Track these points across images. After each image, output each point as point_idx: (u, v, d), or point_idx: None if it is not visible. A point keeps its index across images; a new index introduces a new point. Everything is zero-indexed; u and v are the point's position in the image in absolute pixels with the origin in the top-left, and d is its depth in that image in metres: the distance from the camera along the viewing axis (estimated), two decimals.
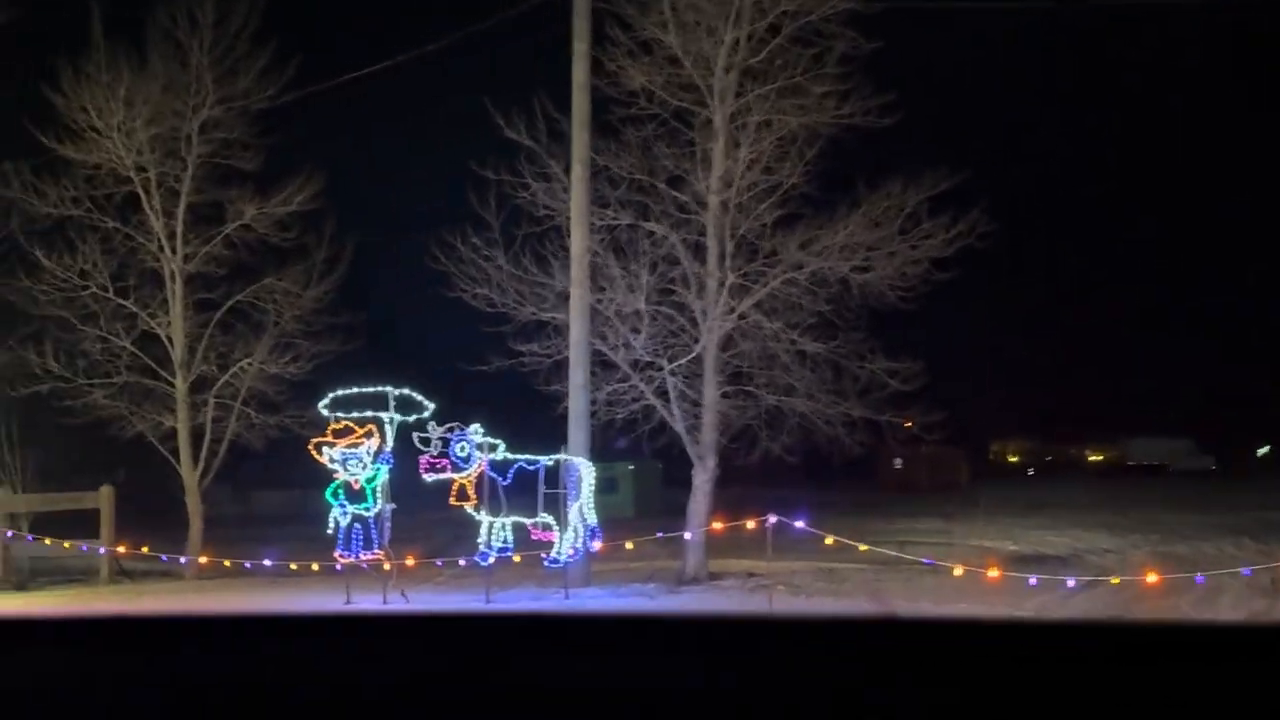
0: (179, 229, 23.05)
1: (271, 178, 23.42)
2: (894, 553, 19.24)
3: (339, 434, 17.13)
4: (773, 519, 17.14)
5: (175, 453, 23.38)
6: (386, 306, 25.99)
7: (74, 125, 22.16)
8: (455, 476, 17.14)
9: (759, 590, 17.53)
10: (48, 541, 20.92)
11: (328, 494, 17.15)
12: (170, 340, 23.10)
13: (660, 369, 19.80)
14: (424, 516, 21.57)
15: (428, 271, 20.89)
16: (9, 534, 20.65)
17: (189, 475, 23.29)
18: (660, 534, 19.67)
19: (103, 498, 22.14)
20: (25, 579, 21.02)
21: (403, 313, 29.28)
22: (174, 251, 22.99)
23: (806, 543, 19.12)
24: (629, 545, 19.02)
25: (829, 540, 17.61)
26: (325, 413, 17.25)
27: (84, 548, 21.14)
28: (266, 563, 19.65)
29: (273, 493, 40.80)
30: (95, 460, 24.58)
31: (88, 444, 24.28)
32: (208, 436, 23.47)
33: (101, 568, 21.60)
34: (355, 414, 16.93)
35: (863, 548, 18.21)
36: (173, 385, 23.15)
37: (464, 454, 17.24)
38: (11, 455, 23.20)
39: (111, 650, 1.77)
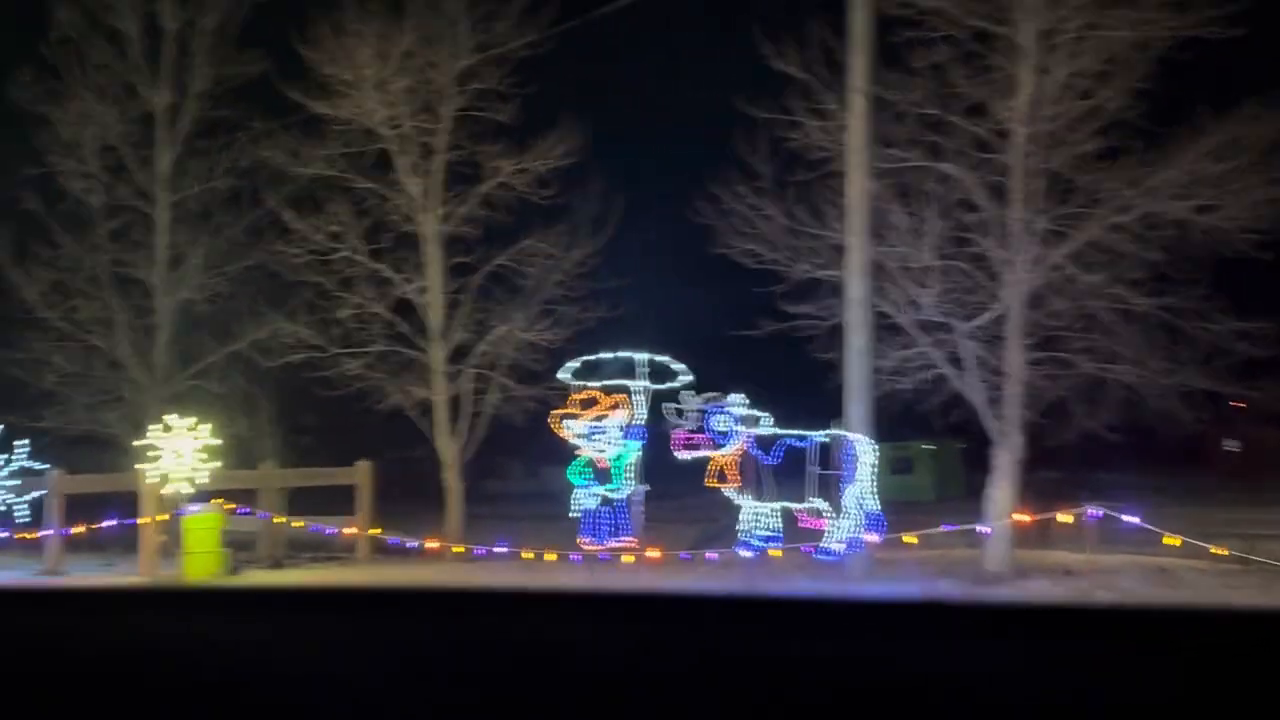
0: (434, 188, 21.79)
1: (529, 131, 21.90)
2: (1244, 554, 15.80)
3: (585, 404, 15.30)
4: (1095, 512, 14.13)
5: (432, 427, 22.21)
6: (644, 266, 23.92)
7: (327, 81, 21.18)
8: (713, 454, 15.03)
9: (1077, 593, 14.59)
10: (297, 523, 20.11)
11: (571, 472, 15.37)
12: (426, 307, 21.90)
13: (953, 331, 16.99)
14: (678, 501, 19.55)
15: (690, 227, 18.82)
16: (261, 514, 19.86)
17: (446, 450, 22.06)
18: (946, 526, 16.81)
19: (360, 474, 21.20)
20: (282, 556, 20.24)
21: (662, 272, 27.24)
22: (429, 212, 21.74)
23: (1133, 534, 15.96)
24: (911, 540, 16.23)
25: (1171, 540, 14.40)
26: (569, 381, 15.46)
27: (327, 529, 20.19)
28: (500, 549, 18.04)
29: (510, 468, 39.75)
30: (349, 436, 23.74)
31: (343, 418, 23.50)
32: (465, 409, 22.20)
33: (359, 546, 20.64)
34: (601, 383, 15.08)
35: (1217, 550, 14.87)
36: (427, 354, 21.93)
37: (724, 429, 15.08)
38: (270, 430, 22.68)
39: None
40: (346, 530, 18.49)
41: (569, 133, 21.74)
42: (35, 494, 20.32)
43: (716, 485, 15.30)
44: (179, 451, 18.23)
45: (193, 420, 18.29)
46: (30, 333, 23.78)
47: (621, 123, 30.76)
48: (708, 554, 16.86)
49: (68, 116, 23.91)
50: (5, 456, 20.48)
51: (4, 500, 20.49)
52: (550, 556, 16.93)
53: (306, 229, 21.38)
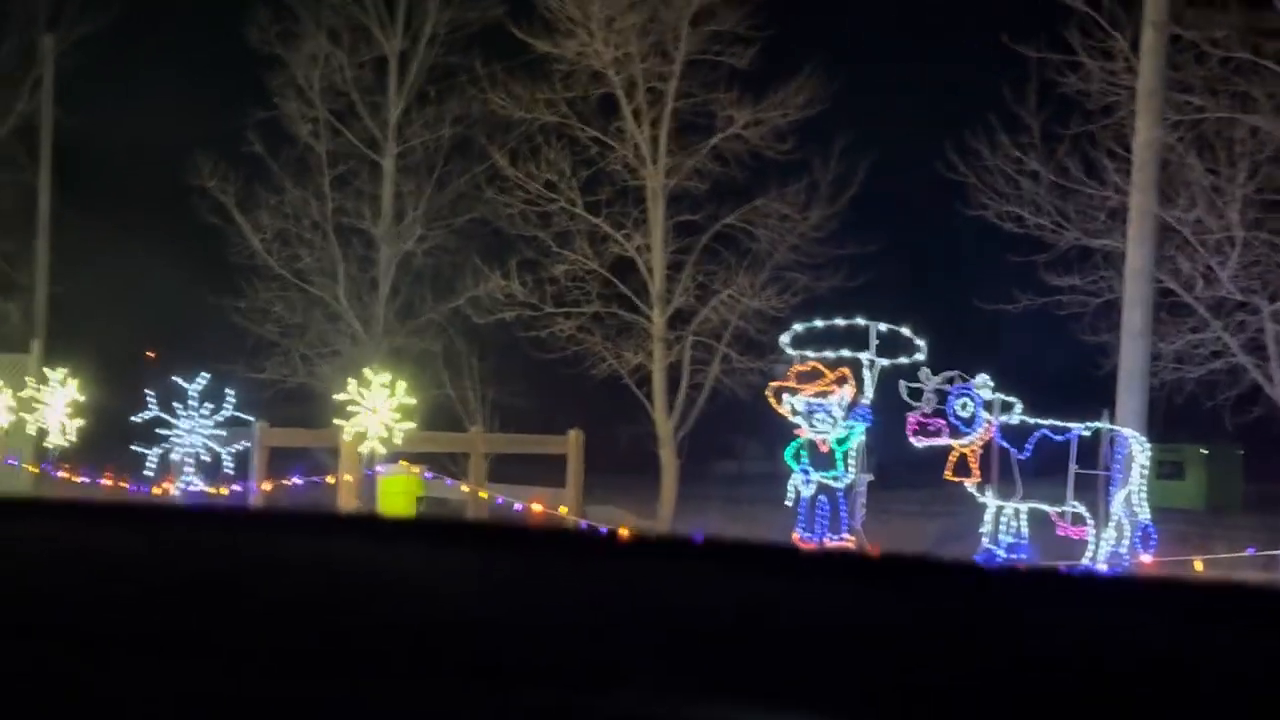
0: (661, 138, 20.07)
1: (767, 80, 19.95)
2: None
3: (804, 377, 13.31)
4: None
5: (649, 397, 20.59)
6: (888, 230, 21.58)
7: (554, 18, 19.72)
8: (953, 443, 12.83)
9: None
10: (482, 494, 18.81)
11: (787, 455, 13.42)
12: (648, 267, 20.23)
13: (1256, 313, 14.19)
14: (910, 494, 17.35)
15: (941, 186, 16.58)
16: (448, 480, 18.60)
17: (663, 424, 20.40)
18: (1252, 550, 13.97)
19: (571, 444, 19.80)
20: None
21: (907, 236, 24.79)
22: (655, 164, 20.03)
23: None
24: (1197, 565, 13.46)
25: None
26: (788, 349, 13.50)
27: (516, 505, 18.83)
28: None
29: (744, 448, 37.16)
30: (560, 403, 22.30)
31: (553, 384, 22.15)
32: (684, 380, 20.48)
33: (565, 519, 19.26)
34: (826, 353, 13.10)
35: None
36: (649, 319, 20.27)
37: (966, 413, 12.81)
38: (477, 392, 21.57)
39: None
40: (534, 504, 17.12)
41: (810, 81, 19.70)
42: (241, 445, 19.74)
43: (956, 479, 13.13)
44: (375, 408, 17.18)
45: (388, 376, 17.22)
46: (255, 280, 23.44)
47: (868, 70, 28.16)
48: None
49: (299, 59, 23.37)
50: (213, 406, 19.97)
51: (211, 448, 20.01)
52: None
53: (523, 177, 20.00)
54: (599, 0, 19.33)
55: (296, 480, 18.42)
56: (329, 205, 23.51)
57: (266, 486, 18.84)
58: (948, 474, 13.03)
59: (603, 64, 19.69)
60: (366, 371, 17.40)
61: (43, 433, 21.81)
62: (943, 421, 12.78)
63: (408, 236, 23.57)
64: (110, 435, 21.16)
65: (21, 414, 21.71)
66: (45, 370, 22.20)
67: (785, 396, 13.12)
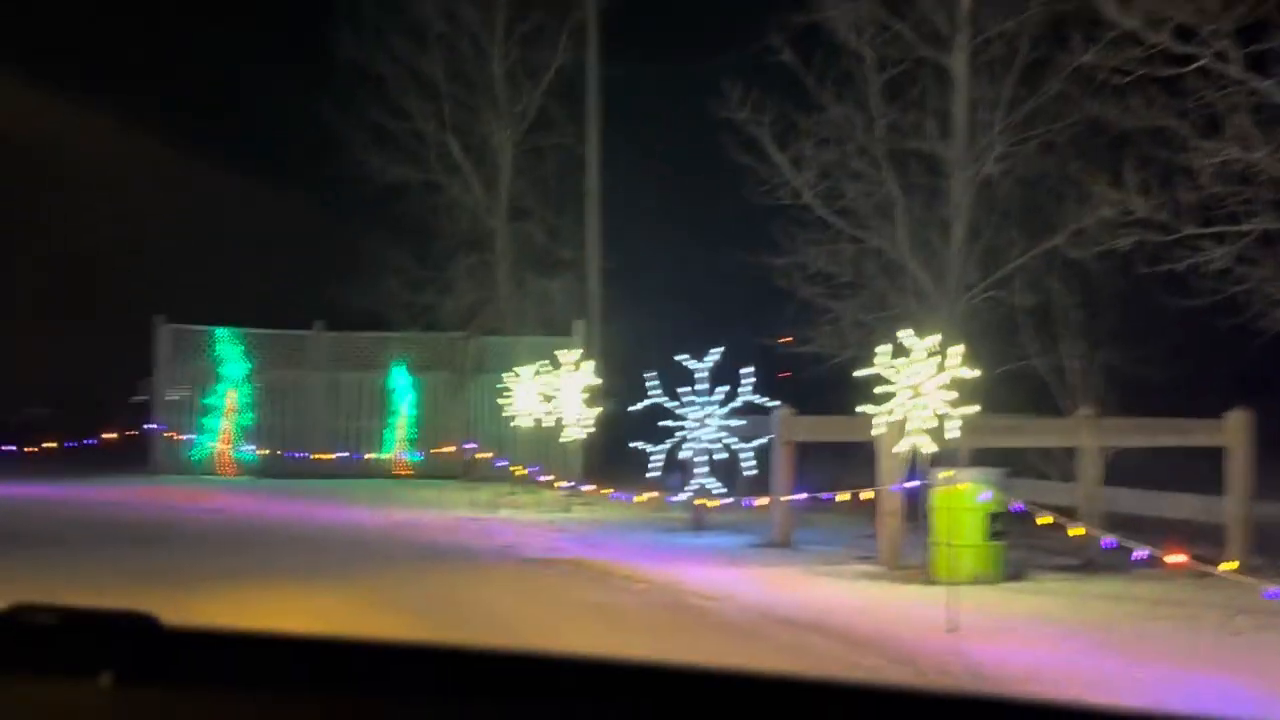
0: None
1: None
2: None
3: None
4: None
5: None
6: None
7: None
8: None
9: None
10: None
11: None
12: None
13: None
14: None
15: None
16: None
17: None
18: None
19: (1232, 430, 13.11)
20: (1096, 553, 12.69)
21: None
22: None
23: None
24: None
25: None
26: None
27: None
28: None
29: None
30: (1205, 370, 15.36)
31: (1195, 343, 15.25)
32: None
33: (1231, 541, 12.64)
34: None
35: None
36: None
37: None
38: (1090, 359, 15.28)
39: None
40: (1171, 554, 10.54)
41: None
42: (762, 439, 15.07)
43: None
44: (918, 388, 11.66)
45: (933, 341, 11.62)
46: (795, 230, 18.69)
47: None
48: None
49: None
50: (726, 388, 15.43)
51: (725, 444, 15.50)
52: None
53: (1138, 26, 13.33)
54: None
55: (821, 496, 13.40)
56: (879, 126, 18.17)
57: (784, 498, 14.00)
58: None
59: None
60: (904, 336, 11.89)
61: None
62: None
63: (986, 157, 17.73)
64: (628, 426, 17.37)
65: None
66: (558, 353, 18.90)
67: None
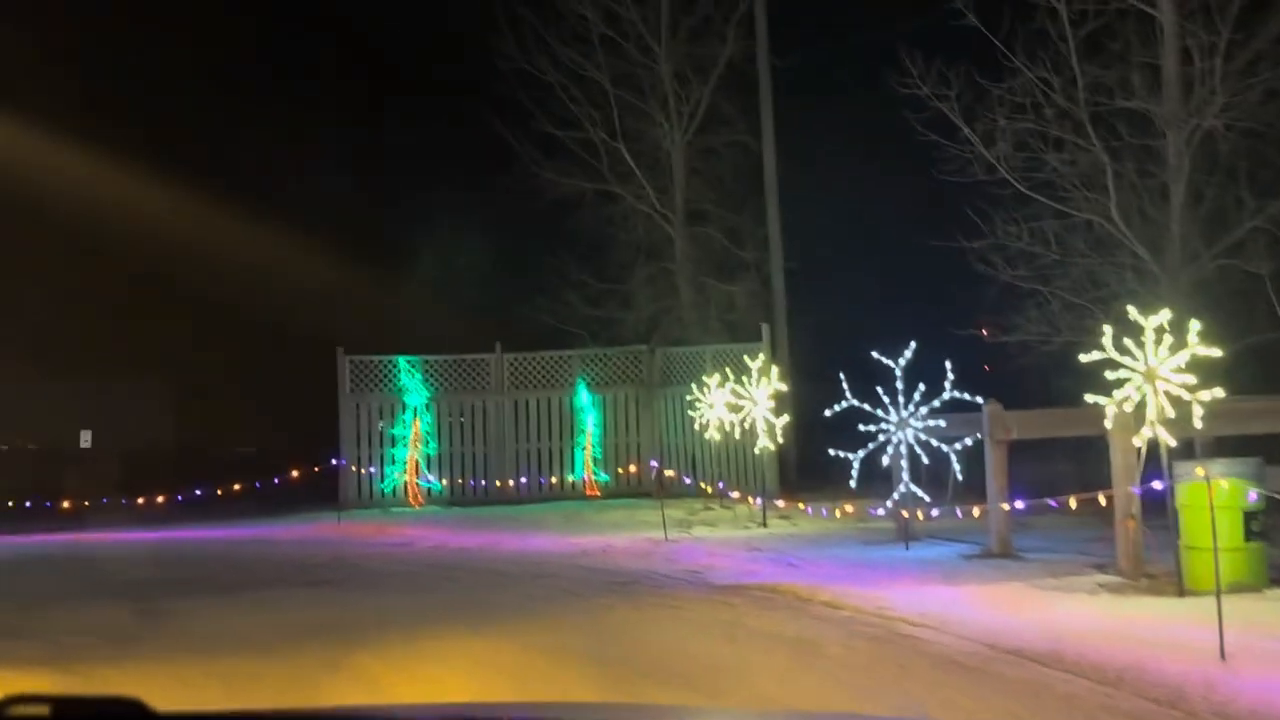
0: None
1: None
2: None
3: None
4: None
5: None
6: None
7: None
8: None
9: None
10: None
11: None
12: None
13: None
14: None
15: None
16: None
17: None
18: None
19: None
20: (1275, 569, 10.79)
21: None
22: None
23: None
24: None
25: None
26: None
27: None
28: None
29: None
30: None
31: None
32: None
33: None
34: None
35: None
36: None
37: None
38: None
39: None
40: None
41: None
42: (966, 438, 13.64)
43: None
44: (1153, 372, 10.13)
45: (1164, 318, 10.07)
46: (990, 210, 17.17)
47: None
48: None
49: None
50: (922, 385, 14.03)
51: (930, 445, 14.10)
52: None
53: None
54: None
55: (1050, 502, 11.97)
56: (1081, 87, 16.50)
57: (1001, 504, 12.59)
58: None
59: None
60: (1133, 310, 10.36)
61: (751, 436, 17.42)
62: None
63: (1204, 111, 15.91)
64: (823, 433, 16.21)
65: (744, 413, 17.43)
66: (745, 358, 17.82)
67: None
